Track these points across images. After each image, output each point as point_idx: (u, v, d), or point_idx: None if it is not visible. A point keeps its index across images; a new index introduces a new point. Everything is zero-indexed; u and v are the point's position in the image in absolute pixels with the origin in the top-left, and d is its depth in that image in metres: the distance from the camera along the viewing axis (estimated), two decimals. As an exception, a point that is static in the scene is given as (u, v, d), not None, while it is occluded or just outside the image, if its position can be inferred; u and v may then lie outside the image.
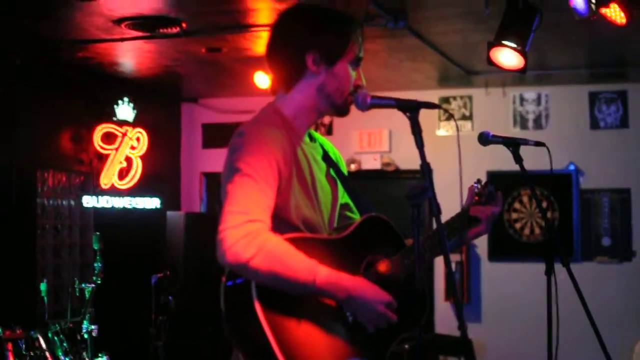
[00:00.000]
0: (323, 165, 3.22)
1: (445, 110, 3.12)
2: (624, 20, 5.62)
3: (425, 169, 2.77)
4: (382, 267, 3.08)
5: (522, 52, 5.71)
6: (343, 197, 3.33)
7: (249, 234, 2.71)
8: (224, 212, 2.76)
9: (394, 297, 2.98)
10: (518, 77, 8.79)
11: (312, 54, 3.06)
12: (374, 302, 2.92)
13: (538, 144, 3.84)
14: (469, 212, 3.34)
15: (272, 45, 3.15)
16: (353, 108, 3.13)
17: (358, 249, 3.05)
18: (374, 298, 2.92)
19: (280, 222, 2.90)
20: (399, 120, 2.87)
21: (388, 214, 3.28)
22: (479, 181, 3.51)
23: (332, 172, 3.26)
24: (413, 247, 3.07)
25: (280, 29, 3.14)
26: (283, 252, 2.76)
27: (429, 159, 2.79)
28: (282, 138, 2.99)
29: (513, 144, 3.76)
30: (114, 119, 9.26)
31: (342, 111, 3.18)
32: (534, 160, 4.30)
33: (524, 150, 3.87)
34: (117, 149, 9.29)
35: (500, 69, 6.02)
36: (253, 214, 2.76)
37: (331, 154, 3.32)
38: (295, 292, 2.79)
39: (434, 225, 3.10)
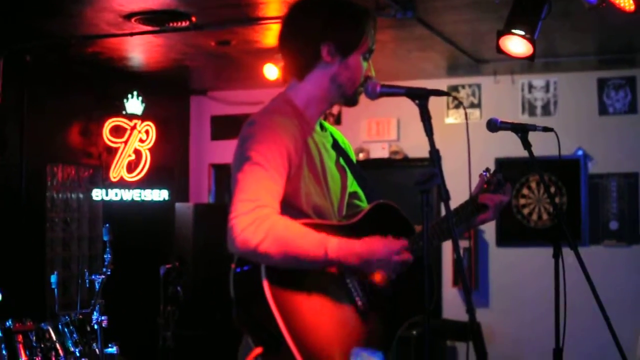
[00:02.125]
0: (333, 153, 3.25)
1: (455, 98, 3.14)
2: (632, 7, 5.61)
3: (435, 155, 2.78)
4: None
5: (531, 40, 5.71)
6: (352, 186, 3.36)
7: (257, 220, 2.74)
8: (234, 201, 2.79)
9: (402, 283, 3.03)
10: (526, 64, 8.78)
11: (327, 45, 3.09)
12: (387, 254, 2.96)
13: (546, 129, 3.84)
14: (478, 200, 3.34)
15: (286, 34, 3.18)
16: (362, 97, 3.15)
17: (367, 234, 3.06)
18: (386, 251, 2.96)
19: (291, 209, 2.94)
20: (407, 109, 2.89)
21: (397, 201, 3.30)
22: (487, 170, 3.52)
23: (341, 160, 3.29)
24: (422, 233, 3.12)
25: (296, 19, 3.17)
26: (292, 232, 2.80)
27: (437, 146, 2.80)
28: (293, 127, 3.02)
29: (521, 130, 3.76)
30: (123, 112, 9.29)
31: (352, 101, 3.22)
32: (543, 146, 4.31)
33: (532, 137, 3.88)
34: (126, 142, 9.32)
35: (509, 57, 6.02)
36: (261, 200, 2.79)
37: (341, 143, 3.36)
38: (310, 268, 2.84)
39: (443, 212, 3.11)
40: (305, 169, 3.02)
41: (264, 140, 2.91)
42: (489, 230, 9.62)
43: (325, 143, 3.21)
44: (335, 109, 10.10)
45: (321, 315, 2.88)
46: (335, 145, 3.30)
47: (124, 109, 9.31)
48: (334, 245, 2.84)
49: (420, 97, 2.88)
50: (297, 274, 2.84)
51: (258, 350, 2.81)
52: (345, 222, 3.14)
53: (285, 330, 2.75)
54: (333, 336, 2.90)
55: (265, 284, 2.76)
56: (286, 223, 2.80)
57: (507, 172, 9.24)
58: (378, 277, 3.04)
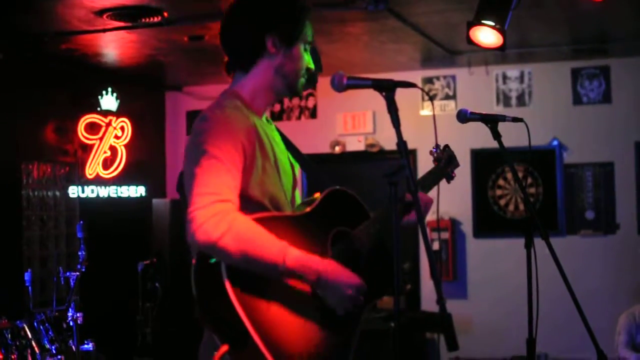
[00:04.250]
0: (282, 146, 3.25)
1: (422, 89, 3.13)
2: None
3: (402, 147, 2.78)
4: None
5: (501, 30, 5.71)
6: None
7: (218, 214, 2.73)
8: (192, 194, 2.79)
9: (358, 270, 3.00)
10: (501, 55, 8.81)
11: (271, 36, 3.13)
12: (344, 285, 2.92)
13: (516, 119, 3.84)
14: (405, 198, 3.33)
15: (230, 28, 3.22)
16: (334, 90, 3.15)
17: (324, 222, 3.08)
18: (343, 281, 2.93)
19: (246, 201, 2.92)
20: (383, 101, 2.88)
21: (373, 194, 3.32)
22: (437, 146, 3.55)
23: (290, 155, 3.29)
24: (378, 217, 3.21)
25: (240, 12, 3.20)
26: (252, 233, 2.77)
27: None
28: (244, 119, 3.04)
29: (491, 121, 3.77)
30: (98, 109, 9.27)
31: (297, 92, 3.26)
32: (517, 137, 4.33)
33: (509, 128, 3.89)
34: (101, 139, 9.30)
35: (481, 48, 6.03)
36: (222, 195, 2.79)
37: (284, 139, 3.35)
38: (265, 273, 2.80)
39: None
40: (259, 159, 3.01)
41: (219, 134, 2.91)
42: (465, 221, 9.66)
43: (274, 136, 3.21)
44: (310, 103, 10.11)
45: (283, 309, 2.86)
46: (283, 138, 3.31)
47: (99, 105, 9.29)
48: (293, 256, 2.80)
49: (387, 89, 2.88)
50: (251, 280, 2.81)
51: (224, 347, 2.79)
52: (300, 212, 3.12)
53: (250, 325, 2.73)
54: (296, 329, 2.89)
55: (226, 279, 2.74)
56: (247, 222, 2.78)
57: (482, 163, 9.45)
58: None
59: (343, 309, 2.97)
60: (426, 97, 9.68)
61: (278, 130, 3.33)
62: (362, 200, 3.28)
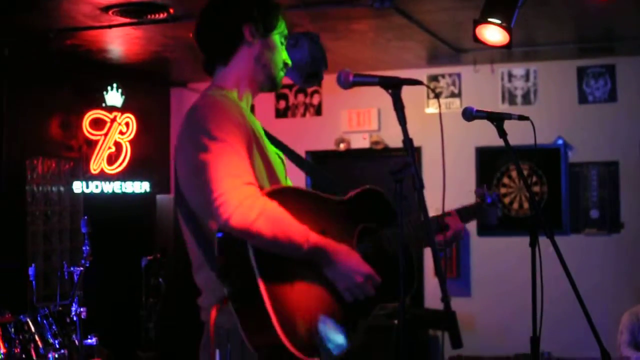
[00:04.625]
0: (267, 140, 3.24)
1: (427, 86, 3.14)
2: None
3: (408, 144, 2.79)
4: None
5: (507, 28, 5.72)
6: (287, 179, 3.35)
7: (250, 197, 2.75)
8: (214, 179, 2.77)
9: (381, 269, 3.01)
10: (506, 53, 8.79)
11: (248, 24, 3.16)
12: (354, 272, 2.94)
13: (522, 117, 3.85)
14: (444, 219, 3.35)
15: (207, 21, 3.25)
16: (339, 88, 3.14)
17: (354, 215, 3.12)
18: (354, 268, 2.95)
19: None
20: (388, 98, 2.88)
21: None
22: (483, 186, 3.67)
23: (274, 148, 3.30)
24: (409, 221, 3.23)
25: (216, 5, 3.24)
26: (281, 216, 2.81)
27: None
28: (234, 105, 3.06)
29: (497, 119, 3.77)
30: (103, 105, 9.28)
31: (277, 84, 3.29)
32: (522, 135, 4.31)
33: (514, 126, 3.89)
34: (106, 135, 9.29)
35: (487, 46, 6.03)
36: (246, 177, 2.81)
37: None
38: (288, 254, 2.82)
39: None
40: (255, 149, 3.02)
41: (217, 118, 2.92)
42: (469, 219, 9.63)
43: (260, 129, 3.21)
44: (315, 100, 10.11)
45: (304, 290, 2.89)
46: (267, 133, 3.32)
47: (104, 101, 9.29)
48: (313, 240, 2.84)
49: (393, 86, 2.88)
50: (275, 261, 2.83)
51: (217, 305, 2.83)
52: (337, 198, 3.16)
53: (265, 294, 2.74)
54: (308, 302, 2.89)
55: (253, 257, 2.76)
56: (275, 205, 2.81)
57: (487, 161, 9.43)
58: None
59: (351, 295, 2.98)
60: (431, 95, 9.68)
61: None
62: (392, 201, 3.27)
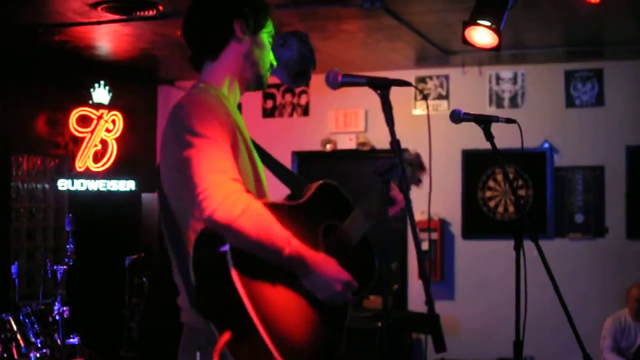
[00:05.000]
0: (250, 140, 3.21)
1: (416, 88, 3.12)
2: (597, -1, 5.64)
3: (396, 146, 2.77)
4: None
5: (497, 30, 5.72)
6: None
7: (234, 192, 2.71)
8: (198, 174, 2.73)
9: (345, 264, 2.99)
10: (495, 56, 8.80)
11: (239, 20, 3.14)
12: (333, 280, 2.91)
13: (509, 120, 3.85)
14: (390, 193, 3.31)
15: (196, 15, 3.22)
16: (327, 88, 3.13)
17: (316, 214, 3.09)
18: (333, 276, 2.92)
19: None
20: (375, 100, 2.87)
21: (364, 193, 3.29)
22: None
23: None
24: (365, 213, 3.21)
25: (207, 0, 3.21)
26: (265, 216, 2.76)
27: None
28: (220, 102, 3.02)
29: (484, 122, 3.76)
30: (90, 102, 9.24)
31: (262, 83, 3.27)
32: (509, 138, 4.32)
33: (501, 129, 3.88)
34: (92, 132, 9.26)
35: (476, 48, 6.03)
36: (231, 173, 2.77)
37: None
38: (267, 258, 2.78)
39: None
40: (241, 143, 3.00)
41: (202, 116, 2.88)
42: (454, 222, 9.65)
43: (244, 128, 3.16)
44: (302, 100, 10.10)
45: (286, 299, 2.84)
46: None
47: (91, 98, 9.25)
48: (295, 247, 2.80)
49: (382, 87, 2.87)
50: (262, 262, 2.78)
51: (226, 335, 2.73)
52: (295, 202, 3.10)
53: (255, 316, 2.67)
54: (298, 320, 2.87)
55: (233, 269, 2.68)
56: (259, 204, 2.77)
57: (473, 164, 9.43)
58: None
59: (330, 303, 2.95)
60: (419, 97, 9.67)
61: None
62: (347, 195, 3.27)
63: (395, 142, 2.77)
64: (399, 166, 2.74)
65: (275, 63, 3.28)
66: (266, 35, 3.22)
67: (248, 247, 2.73)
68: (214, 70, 3.17)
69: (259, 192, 3.08)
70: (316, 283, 2.90)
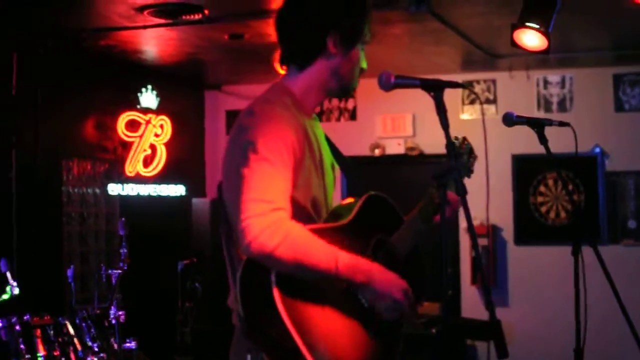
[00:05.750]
0: (326, 145, 3.19)
1: (470, 91, 3.13)
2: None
3: (451, 149, 2.76)
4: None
5: (545, 33, 5.71)
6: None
7: (274, 224, 2.67)
8: (243, 200, 2.70)
9: (399, 274, 2.97)
10: (542, 60, 8.76)
11: (334, 35, 3.02)
12: (393, 287, 2.90)
13: (562, 124, 3.83)
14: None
15: (292, 20, 3.09)
16: (376, 92, 3.12)
17: (364, 230, 3.04)
18: (392, 284, 2.91)
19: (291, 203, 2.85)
20: (423, 104, 2.90)
21: (412, 198, 3.29)
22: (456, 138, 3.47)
23: (331, 155, 3.23)
24: (412, 221, 3.19)
25: (305, 6, 3.07)
26: (306, 241, 2.73)
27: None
28: (293, 118, 2.95)
29: (537, 125, 3.75)
30: (138, 106, 9.30)
31: (349, 93, 3.22)
32: (558, 143, 4.28)
33: (550, 134, 3.86)
34: (141, 137, 9.31)
35: (524, 51, 6.01)
36: (276, 202, 2.72)
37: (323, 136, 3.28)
38: (317, 279, 2.76)
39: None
40: (307, 160, 2.95)
41: (268, 132, 2.82)
42: (506, 228, 9.59)
43: (320, 134, 3.15)
44: (350, 105, 10.10)
45: (333, 327, 2.81)
46: (326, 136, 3.25)
47: (139, 102, 9.31)
48: (345, 260, 2.77)
49: (436, 89, 2.85)
50: (308, 283, 2.77)
51: None
52: (341, 222, 3.03)
53: (300, 342, 2.66)
54: (347, 341, 2.85)
55: (276, 292, 2.67)
56: (301, 230, 2.74)
57: (523, 168, 9.37)
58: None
59: (390, 313, 2.94)
60: (466, 101, 9.65)
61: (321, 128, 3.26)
62: (395, 204, 3.25)
63: (451, 145, 2.77)
64: (455, 169, 2.73)
65: (365, 66, 3.17)
66: (360, 46, 3.12)
67: (294, 272, 2.71)
68: (296, 78, 3.09)
69: (329, 199, 3.11)
70: (375, 292, 2.88)
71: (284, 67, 3.17)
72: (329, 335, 2.77)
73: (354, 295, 2.90)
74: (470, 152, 3.55)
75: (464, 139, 3.54)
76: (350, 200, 3.18)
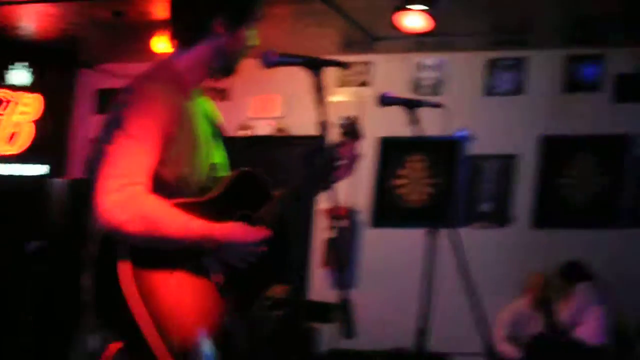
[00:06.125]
0: (207, 123, 3.22)
1: (347, 68, 3.16)
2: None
3: (324, 127, 2.79)
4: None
5: (430, 13, 5.72)
6: (223, 157, 3.32)
7: (128, 198, 2.73)
8: (101, 176, 2.75)
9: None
10: (419, 43, 8.80)
11: (220, 17, 3.08)
12: (243, 243, 2.94)
13: (436, 105, 3.86)
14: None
15: (179, 2, 3.15)
16: (248, 73, 3.11)
17: (229, 206, 3.08)
18: (242, 239, 2.94)
19: (155, 178, 2.87)
20: (293, 85, 2.87)
21: (280, 179, 3.29)
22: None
23: (215, 130, 3.28)
24: (280, 198, 3.20)
25: None
26: (158, 213, 2.78)
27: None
28: (171, 94, 2.97)
29: (411, 105, 3.77)
30: (5, 83, 9.05)
31: (232, 71, 3.25)
32: (429, 126, 4.29)
33: (421, 117, 3.86)
34: (2, 114, 9.06)
35: (404, 35, 6.02)
36: (133, 178, 2.76)
37: (211, 114, 3.35)
38: (170, 248, 2.80)
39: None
40: (181, 136, 2.97)
41: (142, 111, 2.86)
42: (364, 209, 9.59)
43: (201, 111, 3.18)
44: (223, 85, 10.01)
45: (181, 294, 2.83)
46: (210, 115, 3.30)
47: (6, 79, 9.05)
48: (196, 228, 2.82)
49: (316, 67, 2.98)
50: (153, 254, 2.79)
51: (118, 344, 2.75)
52: (206, 197, 3.07)
53: (143, 317, 2.68)
54: (195, 314, 2.85)
55: (121, 267, 2.70)
56: (154, 202, 2.79)
57: (385, 151, 9.38)
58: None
59: (244, 260, 2.97)
60: (339, 83, 9.63)
61: (206, 106, 3.30)
62: (268, 181, 3.26)
63: (324, 122, 2.78)
64: (325, 148, 2.72)
65: (257, 42, 3.23)
66: (250, 25, 3.18)
67: (146, 244, 2.75)
68: (182, 55, 3.13)
69: (203, 176, 3.09)
70: (226, 252, 2.92)
71: (174, 44, 3.18)
72: (176, 305, 2.79)
73: (206, 264, 2.93)
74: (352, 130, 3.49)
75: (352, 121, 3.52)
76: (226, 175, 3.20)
